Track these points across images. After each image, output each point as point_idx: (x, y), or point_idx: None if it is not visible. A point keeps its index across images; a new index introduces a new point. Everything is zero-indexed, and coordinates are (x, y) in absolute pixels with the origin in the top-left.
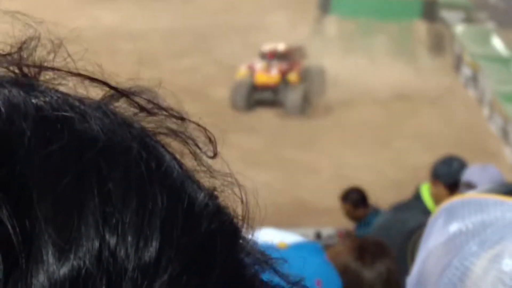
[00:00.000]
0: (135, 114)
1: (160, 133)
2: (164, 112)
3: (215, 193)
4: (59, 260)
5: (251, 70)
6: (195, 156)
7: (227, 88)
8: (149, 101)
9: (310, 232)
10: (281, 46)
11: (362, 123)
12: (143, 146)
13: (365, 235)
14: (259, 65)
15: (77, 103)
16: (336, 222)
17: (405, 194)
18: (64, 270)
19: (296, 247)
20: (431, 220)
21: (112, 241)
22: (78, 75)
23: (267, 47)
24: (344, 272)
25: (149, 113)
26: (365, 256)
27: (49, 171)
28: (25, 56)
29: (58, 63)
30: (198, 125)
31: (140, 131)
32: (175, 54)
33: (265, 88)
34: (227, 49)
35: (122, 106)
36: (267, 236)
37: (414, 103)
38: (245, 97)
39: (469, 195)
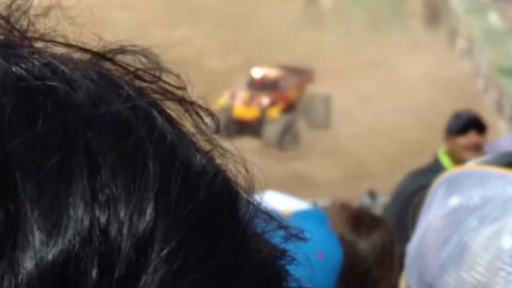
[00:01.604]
0: (128, 75)
1: (156, 93)
2: (162, 74)
3: (213, 155)
4: (47, 245)
5: (232, 99)
6: (195, 122)
7: (220, 60)
8: (146, 61)
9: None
10: (272, 73)
11: (355, 95)
12: (134, 111)
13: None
14: (241, 95)
15: (62, 68)
16: (331, 194)
17: (398, 167)
18: (52, 255)
19: (301, 215)
20: (431, 190)
21: (103, 218)
22: (64, 44)
23: (259, 73)
24: None
25: (141, 77)
26: (361, 228)
27: (32, 149)
28: (12, 20)
29: (46, 31)
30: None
31: (132, 94)
32: (168, 25)
33: (242, 122)
34: (220, 21)
35: (116, 68)
36: (271, 200)
37: (408, 75)
38: (223, 128)
39: (470, 166)
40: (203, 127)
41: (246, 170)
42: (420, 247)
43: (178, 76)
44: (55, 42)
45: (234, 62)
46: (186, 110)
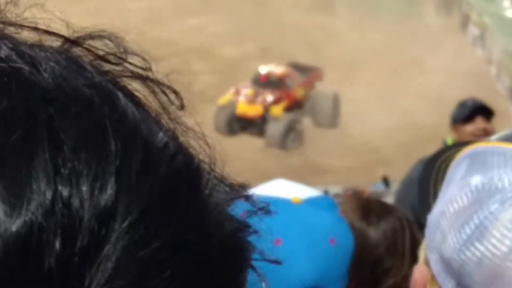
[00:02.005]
0: (95, 59)
1: (123, 76)
2: (128, 57)
3: (176, 133)
4: (10, 216)
5: (236, 95)
6: (161, 103)
7: (234, 47)
8: (113, 46)
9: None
10: (278, 70)
11: (369, 80)
12: (97, 91)
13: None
14: (245, 91)
15: (28, 52)
16: (344, 182)
17: (412, 153)
18: (16, 226)
19: (311, 203)
20: (453, 165)
21: (65, 192)
22: (33, 28)
23: (265, 69)
24: None
25: (108, 60)
26: (370, 215)
27: None
28: None
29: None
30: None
31: (96, 76)
32: (182, 13)
33: (245, 119)
34: (233, 8)
35: (83, 53)
36: (282, 189)
37: (421, 61)
38: (226, 125)
39: (494, 143)
40: (168, 106)
41: (208, 146)
42: (441, 223)
43: (143, 58)
44: (24, 26)
45: (248, 50)
46: (152, 90)
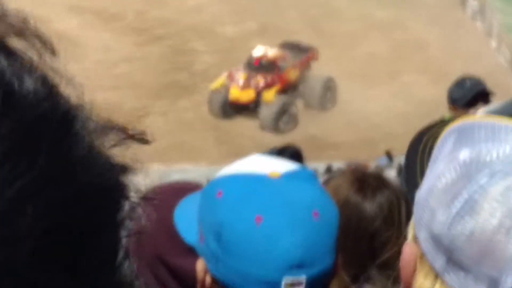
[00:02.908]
0: None
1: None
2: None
3: (51, 81)
4: None
5: (229, 80)
6: (38, 55)
7: (234, 26)
8: None
9: (321, 166)
10: (271, 53)
11: (369, 56)
12: None
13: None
14: (238, 76)
15: None
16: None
17: (414, 127)
18: None
19: (290, 176)
20: (440, 139)
21: None
22: None
23: (258, 52)
24: (345, 206)
25: None
26: (366, 189)
27: None
28: None
29: None
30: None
31: None
32: None
33: (237, 104)
34: None
35: None
36: (258, 165)
37: (421, 36)
38: (220, 108)
39: (481, 117)
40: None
41: (81, 92)
42: (429, 200)
43: (22, 16)
44: None
45: (249, 29)
46: (31, 44)
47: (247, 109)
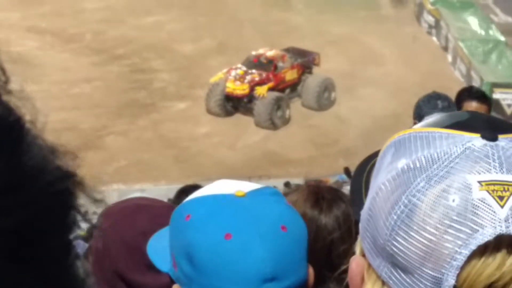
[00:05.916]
0: None
1: None
2: None
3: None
4: None
5: (227, 74)
6: None
7: (193, 44)
8: None
9: (279, 182)
10: (270, 52)
11: (326, 72)
12: None
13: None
14: (235, 71)
15: None
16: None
17: (372, 142)
18: None
19: (255, 194)
20: (380, 155)
21: None
22: None
23: (260, 50)
24: None
25: None
26: (321, 203)
27: None
28: None
29: None
30: None
31: None
32: (139, 12)
33: (232, 97)
34: (189, 5)
35: None
36: (223, 187)
37: (378, 52)
38: (217, 102)
39: (416, 128)
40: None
41: (33, 108)
42: (371, 211)
43: None
44: None
45: (207, 46)
46: None
47: (242, 104)
